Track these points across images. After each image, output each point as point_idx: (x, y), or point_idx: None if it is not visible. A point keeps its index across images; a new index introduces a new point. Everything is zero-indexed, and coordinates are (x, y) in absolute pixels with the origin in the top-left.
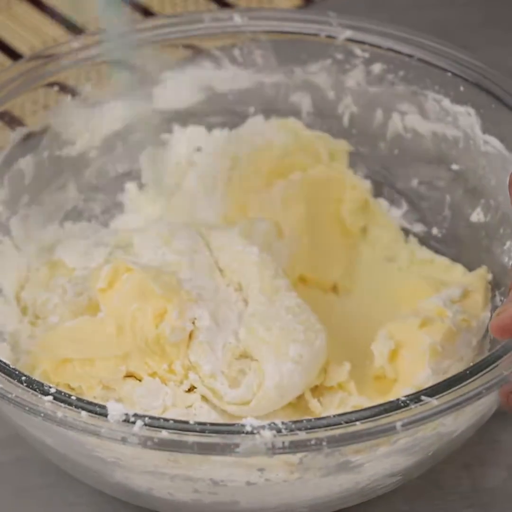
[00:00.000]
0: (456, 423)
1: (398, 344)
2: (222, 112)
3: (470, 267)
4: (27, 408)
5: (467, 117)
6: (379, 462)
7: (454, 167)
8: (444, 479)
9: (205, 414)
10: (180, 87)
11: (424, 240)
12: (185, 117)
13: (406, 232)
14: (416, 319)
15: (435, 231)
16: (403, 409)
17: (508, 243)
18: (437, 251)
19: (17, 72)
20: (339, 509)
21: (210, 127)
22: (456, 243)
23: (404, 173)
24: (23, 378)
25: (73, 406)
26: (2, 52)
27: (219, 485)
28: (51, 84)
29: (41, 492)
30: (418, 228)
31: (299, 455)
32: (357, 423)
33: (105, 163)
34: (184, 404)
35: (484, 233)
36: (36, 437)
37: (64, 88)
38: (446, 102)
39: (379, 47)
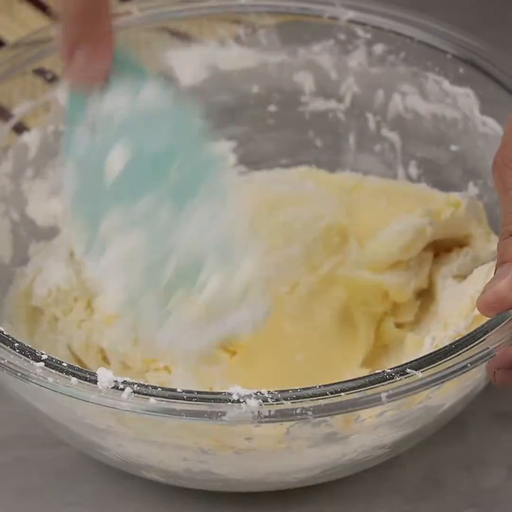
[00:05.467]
0: (443, 397)
1: None
2: (226, 91)
3: None
4: (19, 374)
5: (466, 99)
6: (366, 434)
7: (453, 148)
8: (444, 479)
9: None
10: (184, 65)
11: None
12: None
13: None
14: None
15: None
16: (388, 381)
17: None
18: None
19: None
20: (328, 480)
21: None
22: None
23: (404, 153)
24: (16, 344)
25: (64, 372)
26: None
27: (207, 454)
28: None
29: (41, 492)
30: None
31: (286, 424)
32: (342, 393)
33: None
34: None
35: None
36: (30, 404)
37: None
38: (446, 84)
39: (381, 28)
